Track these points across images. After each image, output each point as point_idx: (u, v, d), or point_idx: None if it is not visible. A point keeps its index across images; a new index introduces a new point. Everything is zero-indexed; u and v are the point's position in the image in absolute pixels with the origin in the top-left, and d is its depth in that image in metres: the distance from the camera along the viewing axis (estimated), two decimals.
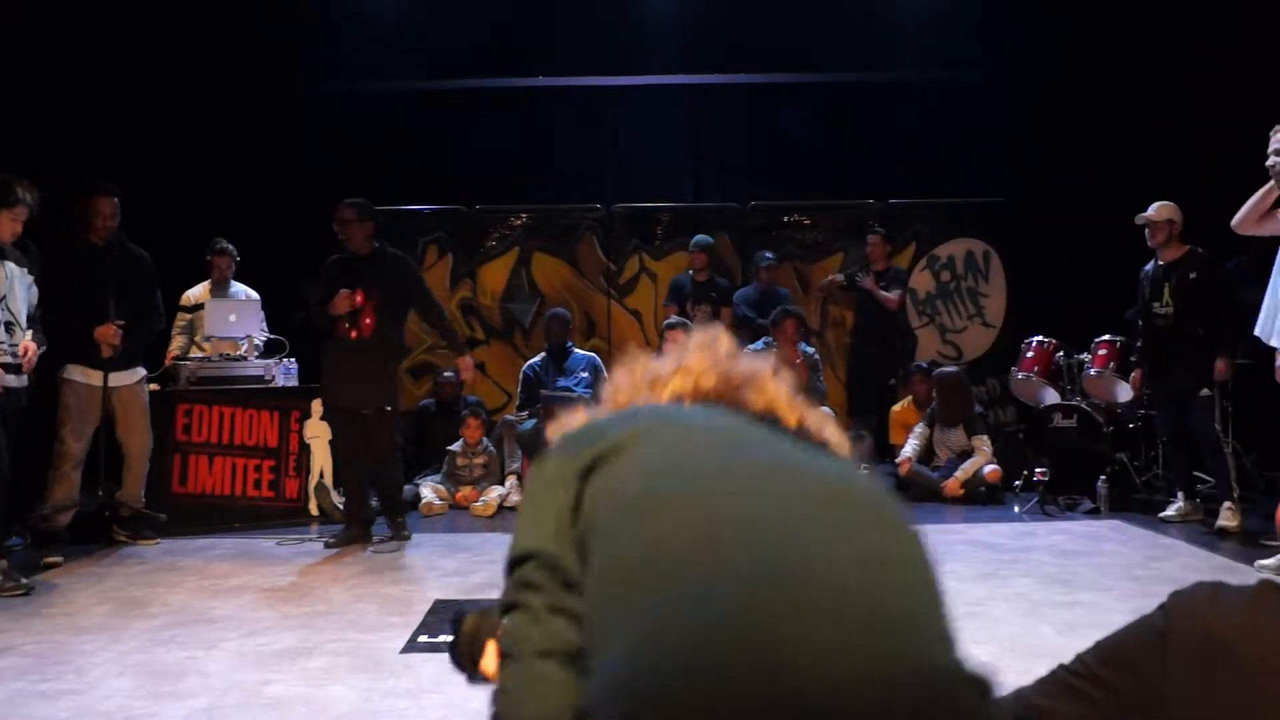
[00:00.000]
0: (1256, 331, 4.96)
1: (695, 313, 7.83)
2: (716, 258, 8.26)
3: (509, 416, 7.35)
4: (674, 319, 6.89)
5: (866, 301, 7.91)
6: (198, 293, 6.95)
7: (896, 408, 7.75)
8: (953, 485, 6.79)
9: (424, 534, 6.04)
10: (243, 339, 6.50)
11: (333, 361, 5.68)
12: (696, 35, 8.78)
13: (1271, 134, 4.71)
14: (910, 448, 7.06)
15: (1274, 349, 4.83)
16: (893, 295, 7.85)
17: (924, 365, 7.81)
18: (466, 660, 1.27)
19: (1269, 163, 4.69)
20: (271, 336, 6.69)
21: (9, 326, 4.80)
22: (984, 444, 6.89)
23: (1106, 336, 6.83)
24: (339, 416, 5.78)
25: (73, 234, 5.56)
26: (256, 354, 6.54)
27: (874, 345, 7.95)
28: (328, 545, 5.67)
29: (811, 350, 6.89)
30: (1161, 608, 1.30)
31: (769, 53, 8.75)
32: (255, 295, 6.95)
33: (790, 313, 6.77)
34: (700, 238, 8.03)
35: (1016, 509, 6.46)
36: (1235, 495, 5.77)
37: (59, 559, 5.32)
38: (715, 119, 9.22)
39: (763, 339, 6.82)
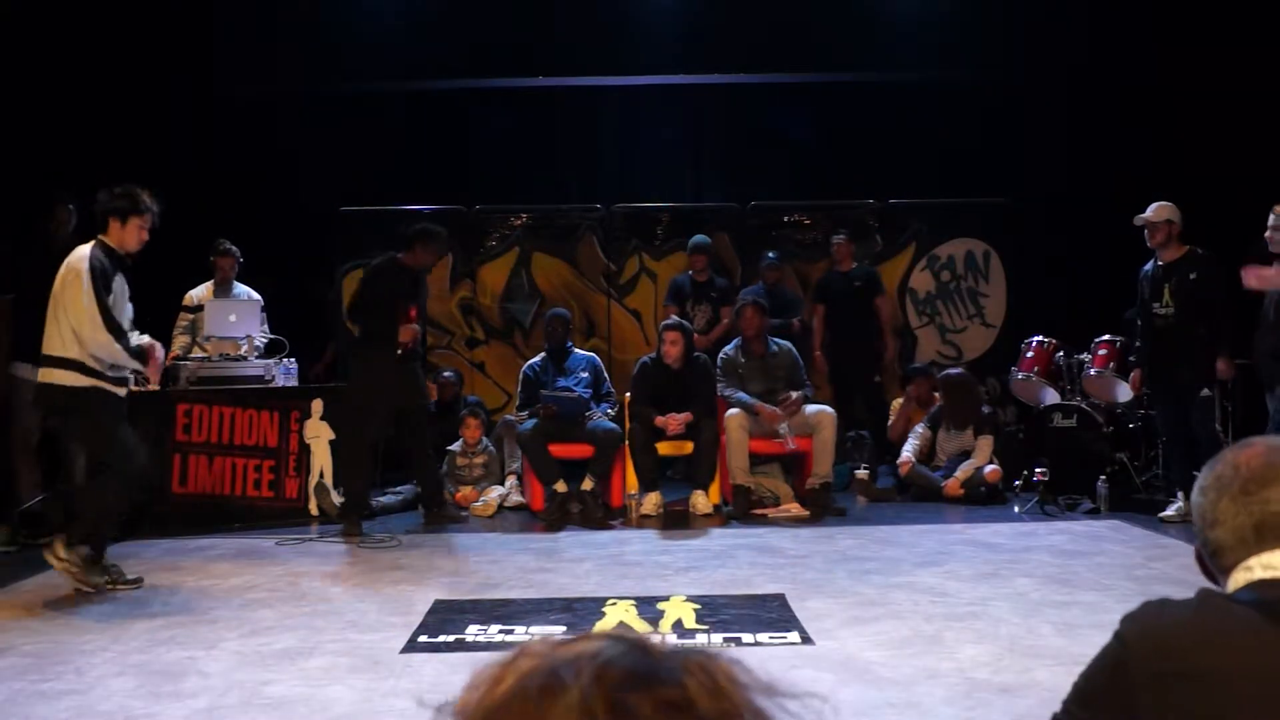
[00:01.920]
0: None
1: (695, 313, 7.84)
2: (716, 258, 8.25)
3: (509, 417, 7.35)
4: (671, 319, 6.88)
5: (839, 301, 7.92)
6: (200, 293, 6.95)
7: (899, 402, 7.73)
8: (953, 485, 6.78)
9: (424, 534, 6.05)
10: (243, 339, 6.51)
11: (381, 365, 6.07)
12: (696, 35, 8.77)
13: (1273, 210, 4.87)
14: (910, 447, 7.05)
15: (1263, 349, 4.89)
16: (884, 307, 8.04)
17: (925, 366, 7.80)
18: None
19: (1268, 234, 4.81)
20: (272, 337, 6.69)
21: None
22: (987, 444, 6.88)
23: (1106, 336, 6.83)
24: (377, 415, 6.15)
25: (45, 235, 5.84)
26: (256, 354, 6.54)
27: (850, 343, 7.91)
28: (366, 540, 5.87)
29: (786, 343, 6.88)
30: (1116, 635, 1.33)
31: (769, 53, 8.75)
32: (257, 296, 6.95)
33: (751, 301, 6.77)
34: (698, 238, 8.02)
35: (1016, 509, 6.45)
36: None
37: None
38: (715, 119, 9.22)
39: (735, 339, 6.85)
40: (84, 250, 4.66)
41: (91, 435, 4.83)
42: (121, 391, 4.77)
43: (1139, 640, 1.30)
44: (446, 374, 7.75)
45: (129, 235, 4.75)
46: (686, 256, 8.12)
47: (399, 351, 6.04)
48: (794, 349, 6.88)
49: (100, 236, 4.74)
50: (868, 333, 8.00)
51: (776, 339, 6.85)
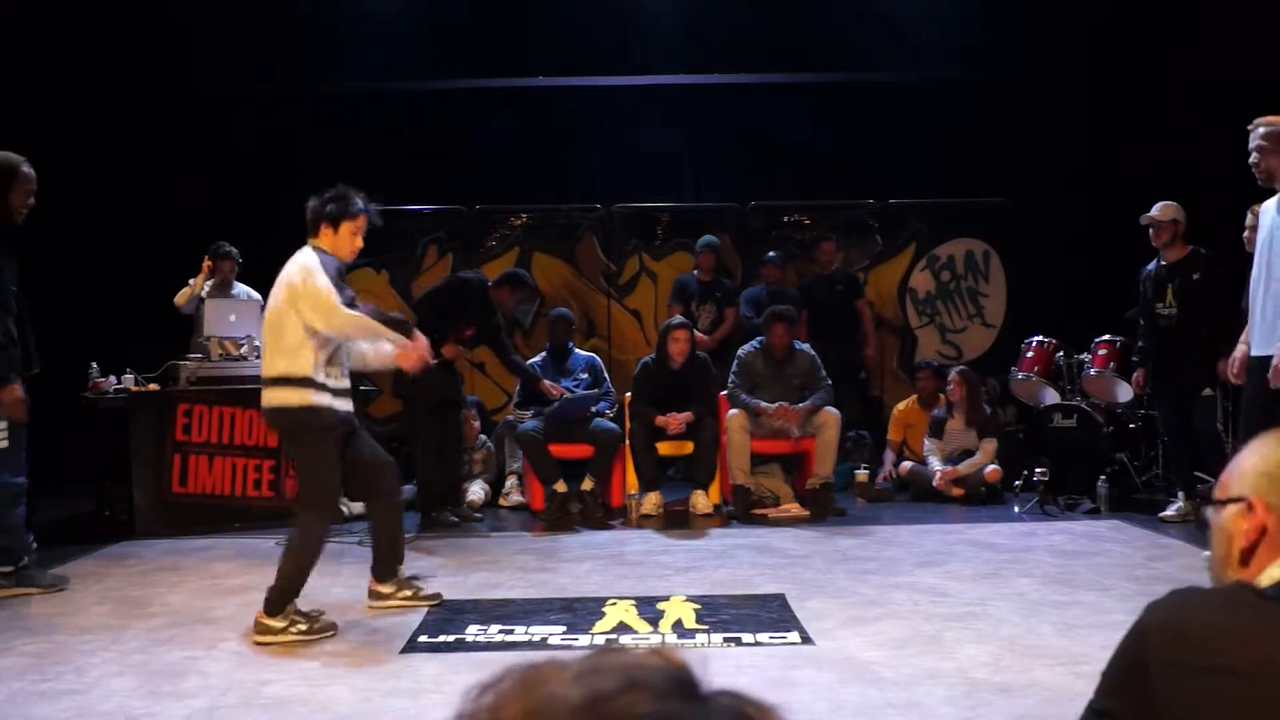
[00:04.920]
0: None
1: (700, 313, 7.83)
2: (719, 258, 8.25)
3: (510, 417, 7.36)
4: (676, 318, 6.88)
5: (821, 304, 7.92)
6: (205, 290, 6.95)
7: (901, 406, 7.71)
8: (943, 480, 6.75)
9: (424, 534, 6.04)
10: (243, 339, 6.50)
11: (443, 368, 6.21)
12: (696, 35, 8.78)
13: (1250, 129, 4.71)
14: (935, 464, 6.92)
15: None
16: (865, 310, 8.17)
17: (932, 363, 7.76)
18: None
19: (1251, 160, 4.71)
20: None
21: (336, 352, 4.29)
22: (991, 447, 6.84)
23: (1106, 336, 6.83)
24: (444, 409, 6.38)
25: None
26: (256, 354, 6.53)
27: (832, 345, 7.88)
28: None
29: (805, 346, 6.86)
30: (1137, 624, 1.31)
31: (769, 53, 8.75)
32: (258, 296, 6.95)
33: (778, 315, 6.71)
34: (708, 238, 8.00)
35: (1016, 509, 6.45)
36: None
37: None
38: (715, 119, 9.21)
39: (756, 339, 6.82)
40: (302, 256, 4.20)
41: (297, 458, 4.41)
42: (339, 405, 4.18)
43: (1158, 631, 1.28)
44: None
45: (342, 242, 4.25)
46: (694, 256, 8.09)
47: (433, 360, 6.16)
48: (814, 352, 6.84)
49: (311, 240, 4.28)
50: (849, 334, 7.99)
51: (800, 343, 6.82)
